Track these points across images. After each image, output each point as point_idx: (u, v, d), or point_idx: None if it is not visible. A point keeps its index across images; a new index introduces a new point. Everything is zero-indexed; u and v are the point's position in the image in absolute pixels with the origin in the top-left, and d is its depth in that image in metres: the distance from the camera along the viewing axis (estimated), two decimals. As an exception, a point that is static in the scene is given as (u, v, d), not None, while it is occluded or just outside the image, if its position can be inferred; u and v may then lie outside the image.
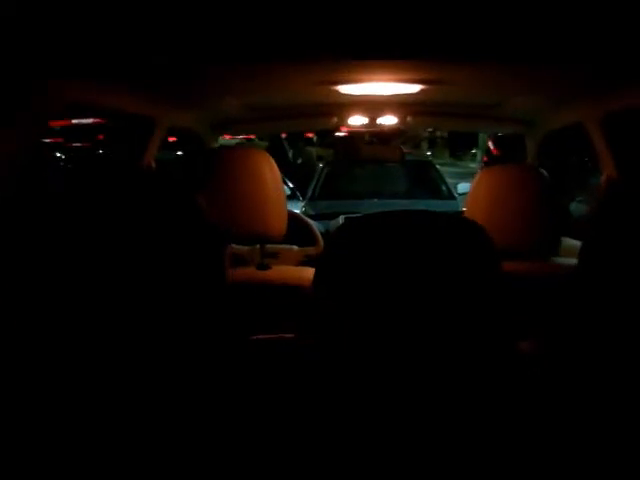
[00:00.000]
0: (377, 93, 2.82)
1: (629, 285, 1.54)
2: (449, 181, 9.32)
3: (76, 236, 1.29)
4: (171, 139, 7.71)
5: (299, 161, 14.66)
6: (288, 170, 10.31)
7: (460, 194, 8.21)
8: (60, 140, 14.25)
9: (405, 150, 5.27)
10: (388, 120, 3.90)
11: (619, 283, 1.57)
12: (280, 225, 2.58)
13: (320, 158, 15.28)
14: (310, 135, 18.57)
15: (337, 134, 15.19)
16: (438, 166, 9.91)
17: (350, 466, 1.38)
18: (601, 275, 1.64)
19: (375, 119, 3.87)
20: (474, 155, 28.51)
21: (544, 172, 2.61)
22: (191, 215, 1.37)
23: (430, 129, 24.59)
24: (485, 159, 18.52)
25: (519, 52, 1.98)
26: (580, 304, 1.77)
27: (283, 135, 14.78)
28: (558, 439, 1.41)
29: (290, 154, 15.27)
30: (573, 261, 2.78)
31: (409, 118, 3.88)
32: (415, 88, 2.73)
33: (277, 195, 2.56)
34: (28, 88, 1.81)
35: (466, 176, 13.46)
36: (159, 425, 1.31)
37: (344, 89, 2.74)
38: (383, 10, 1.61)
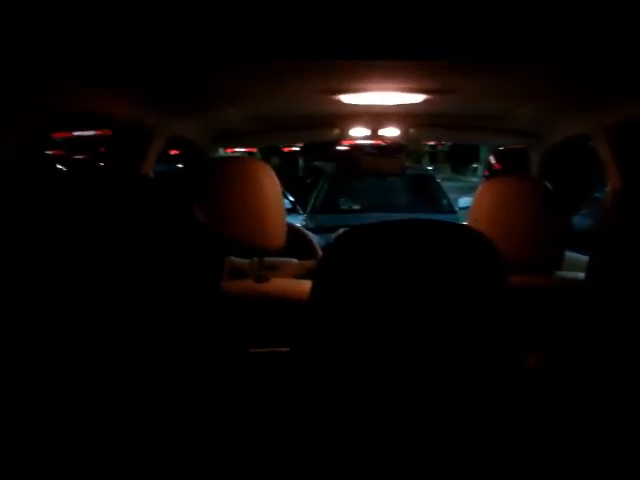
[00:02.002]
0: (380, 103, 2.79)
1: (636, 298, 1.52)
2: (450, 196, 9.31)
3: (71, 244, 1.26)
4: (173, 152, 7.70)
5: (308, 181, 14.65)
6: (298, 186, 10.26)
7: (461, 208, 8.19)
8: (62, 152, 14.26)
9: (406, 165, 5.24)
10: (390, 132, 3.87)
11: (627, 296, 1.54)
12: (279, 237, 2.54)
13: (322, 172, 15.30)
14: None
15: (338, 148, 15.24)
16: (439, 181, 9.90)
17: (343, 476, 1.35)
18: (609, 288, 1.61)
19: (377, 130, 3.84)
20: (475, 170, 28.60)
21: (548, 184, 2.57)
22: (186, 225, 1.34)
23: (431, 143, 24.69)
24: (487, 173, 18.55)
25: (524, 62, 1.96)
26: (588, 318, 1.74)
27: (296, 148, 14.81)
28: (560, 450, 1.39)
29: (301, 170, 15.28)
30: (577, 275, 2.75)
31: (412, 130, 3.85)
32: (419, 98, 2.70)
33: (276, 207, 2.52)
34: (26, 93, 1.78)
35: (467, 191, 13.45)
36: (151, 433, 1.28)
37: (346, 98, 2.71)
38: (387, 17, 1.59)
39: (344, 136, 4.03)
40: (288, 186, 6.82)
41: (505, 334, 1.48)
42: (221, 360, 1.41)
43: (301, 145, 15.32)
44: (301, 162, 16.02)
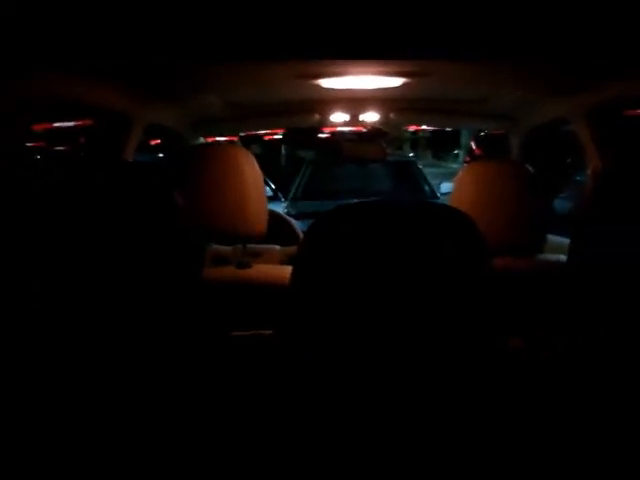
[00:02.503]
0: (359, 87, 2.78)
1: (619, 279, 1.52)
2: (432, 182, 9.32)
3: (50, 230, 1.25)
4: (154, 142, 7.65)
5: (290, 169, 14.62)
6: (280, 174, 10.22)
7: (443, 194, 8.20)
8: (42, 144, 14.16)
9: (388, 151, 5.23)
10: (371, 117, 3.87)
11: (610, 277, 1.54)
12: (261, 224, 2.53)
13: (302, 160, 15.29)
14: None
15: (319, 135, 15.22)
16: (421, 167, 9.90)
17: (328, 463, 1.35)
18: (591, 269, 1.61)
19: (357, 116, 3.84)
20: (457, 156, 28.61)
21: (529, 167, 2.57)
22: (166, 210, 1.33)
23: (412, 130, 24.68)
24: (467, 159, 18.58)
25: (503, 46, 1.96)
26: (571, 299, 1.74)
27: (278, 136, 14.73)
28: (545, 435, 1.39)
29: (283, 159, 15.20)
30: (558, 257, 2.76)
31: (392, 115, 3.85)
32: (398, 81, 2.70)
33: (258, 193, 2.51)
34: (11, 80, 1.77)
35: (449, 176, 13.44)
36: (137, 422, 1.27)
37: (325, 83, 2.70)
38: (366, 2, 1.58)
39: (324, 122, 4.02)
40: (270, 174, 6.80)
41: (489, 315, 1.48)
42: (203, 344, 1.40)
43: (283, 133, 15.26)
44: (283, 150, 15.94)
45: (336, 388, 1.41)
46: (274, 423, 1.37)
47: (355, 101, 3.51)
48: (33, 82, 1.93)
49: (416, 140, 32.28)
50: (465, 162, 19.31)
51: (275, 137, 16.00)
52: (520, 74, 2.60)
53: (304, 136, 18.48)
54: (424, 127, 21.04)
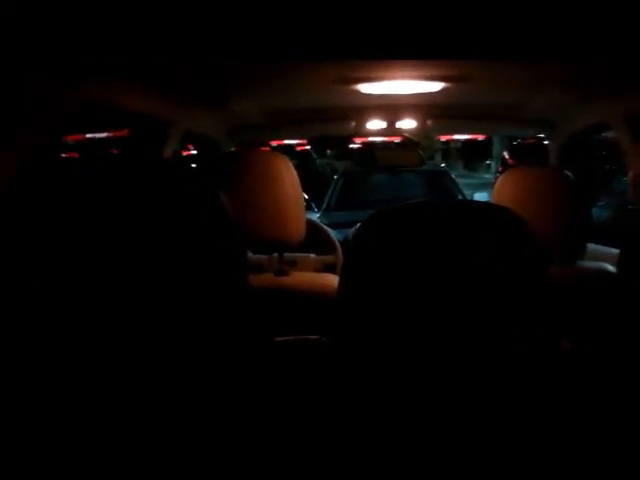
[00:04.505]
0: (397, 92, 2.76)
1: None
2: (465, 192, 9.28)
3: (93, 232, 1.22)
4: (186, 153, 7.68)
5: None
6: (319, 183, 10.14)
7: (476, 204, 8.16)
8: (75, 155, 14.28)
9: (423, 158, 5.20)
10: (408, 124, 3.84)
11: None
12: (299, 231, 2.51)
13: (335, 171, 15.27)
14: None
15: (351, 146, 15.19)
16: (453, 176, 9.87)
17: (372, 466, 1.33)
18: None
19: (394, 123, 3.82)
20: (488, 166, 28.50)
21: (569, 174, 2.53)
22: (214, 211, 1.30)
23: (444, 140, 24.61)
24: (500, 169, 18.50)
25: (543, 48, 1.93)
26: (621, 307, 1.71)
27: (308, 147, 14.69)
28: (593, 433, 1.36)
29: (320, 167, 15.11)
30: (600, 265, 2.72)
31: (429, 121, 3.83)
32: (437, 86, 2.67)
33: (296, 200, 2.49)
34: (44, 86, 1.75)
35: (481, 187, 13.42)
36: (180, 428, 1.25)
37: (363, 88, 2.68)
38: (406, 4, 1.56)
39: (361, 129, 3.99)
40: (305, 184, 6.79)
41: (542, 318, 1.44)
42: (247, 349, 1.38)
43: (309, 142, 15.23)
44: (319, 160, 15.89)
45: (387, 391, 1.38)
46: (324, 428, 1.35)
47: (392, 107, 3.49)
48: (69, 91, 1.92)
49: (447, 150, 32.23)
50: (498, 172, 19.20)
51: (306, 148, 16.00)
52: (560, 77, 2.57)
53: (333, 145, 18.48)
54: (455, 137, 20.99)
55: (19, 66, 1.62)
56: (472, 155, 30.59)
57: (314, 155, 14.04)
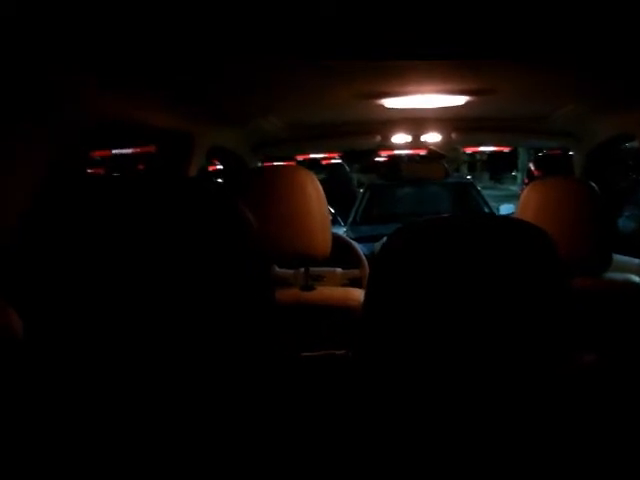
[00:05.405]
0: (421, 106, 2.76)
1: None
2: (491, 204, 9.25)
3: (115, 247, 1.22)
4: (212, 168, 7.71)
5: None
6: (352, 197, 10.10)
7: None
8: (101, 171, 14.36)
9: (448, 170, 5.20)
10: (433, 137, 3.85)
11: None
12: (325, 246, 2.52)
13: (361, 184, 15.23)
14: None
15: (377, 159, 15.17)
16: (479, 188, 9.85)
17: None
18: None
19: (419, 136, 3.82)
20: (514, 178, 28.42)
21: (594, 186, 2.52)
22: (238, 227, 1.30)
23: (469, 152, 24.59)
24: (526, 181, 18.42)
25: (565, 59, 1.93)
26: None
27: (335, 161, 14.64)
28: (613, 450, 1.35)
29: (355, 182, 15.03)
30: (626, 277, 2.70)
31: (454, 135, 3.82)
32: (461, 100, 2.67)
33: (321, 214, 2.50)
34: (61, 101, 1.76)
35: (507, 199, 13.38)
36: (206, 442, 1.25)
37: (388, 103, 2.68)
38: (430, 15, 1.56)
39: (386, 143, 4.00)
40: (334, 199, 6.76)
41: (567, 332, 1.44)
42: (275, 364, 1.38)
43: (341, 156, 15.23)
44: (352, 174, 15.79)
45: (412, 406, 1.38)
46: (348, 442, 1.34)
47: (417, 121, 3.49)
48: (97, 106, 1.93)
49: (473, 162, 32.17)
50: (524, 184, 19.15)
51: (332, 162, 15.99)
52: (583, 89, 2.56)
53: (361, 159, 18.45)
54: (481, 149, 20.93)
55: (33, 81, 1.63)
56: (498, 167, 30.53)
57: (347, 168, 13.97)
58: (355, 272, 3.56)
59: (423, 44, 1.76)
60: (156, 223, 1.24)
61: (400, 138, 3.84)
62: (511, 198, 14.23)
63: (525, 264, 1.40)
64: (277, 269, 3.18)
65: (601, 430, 1.39)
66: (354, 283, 3.39)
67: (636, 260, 3.22)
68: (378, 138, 3.89)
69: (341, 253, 3.53)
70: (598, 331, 2.20)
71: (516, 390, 1.38)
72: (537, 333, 1.39)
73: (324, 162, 15.64)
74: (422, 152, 4.87)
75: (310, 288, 2.66)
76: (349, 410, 1.39)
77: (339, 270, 3.48)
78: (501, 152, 22.70)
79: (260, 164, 4.13)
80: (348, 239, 4.12)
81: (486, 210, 8.84)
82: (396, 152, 5.08)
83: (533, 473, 1.34)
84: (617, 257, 2.92)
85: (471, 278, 1.38)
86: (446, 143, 4.03)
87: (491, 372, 1.37)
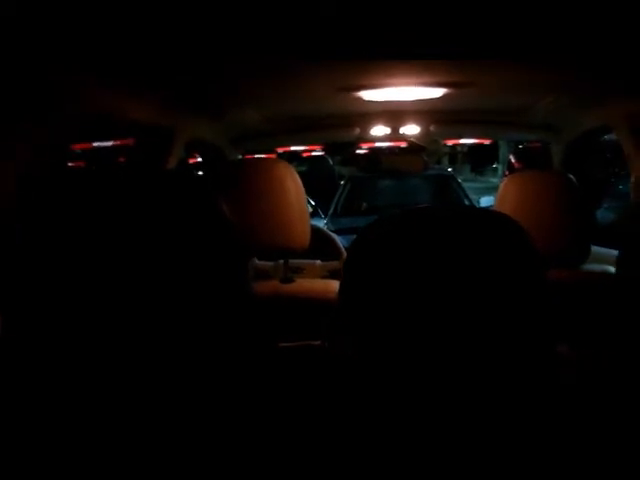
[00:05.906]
0: (400, 99, 2.77)
1: None
2: (471, 197, 9.28)
3: (93, 240, 1.23)
4: (192, 160, 7.69)
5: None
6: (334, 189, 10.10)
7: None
8: (82, 164, 14.29)
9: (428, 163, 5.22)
10: (411, 129, 3.86)
11: None
12: (304, 238, 2.52)
13: (341, 177, 15.23)
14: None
15: (358, 151, 15.13)
16: (460, 181, 9.88)
17: (374, 472, 1.33)
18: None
19: (398, 129, 3.83)
20: (495, 170, 28.43)
21: (572, 178, 2.53)
22: (215, 219, 1.31)
23: (450, 144, 24.59)
24: (507, 173, 18.48)
25: (544, 51, 1.94)
26: (620, 311, 1.71)
27: (316, 153, 14.60)
28: (588, 442, 1.36)
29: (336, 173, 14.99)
30: (603, 268, 2.72)
31: (432, 127, 3.83)
32: (439, 92, 2.68)
33: (300, 207, 2.50)
34: (45, 95, 1.76)
35: (488, 191, 13.40)
36: (182, 434, 1.25)
37: (366, 95, 2.69)
38: (406, 9, 1.56)
39: (365, 135, 4.00)
40: (314, 191, 6.75)
41: (544, 322, 1.45)
42: (252, 355, 1.39)
43: (323, 149, 15.21)
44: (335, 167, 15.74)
45: (392, 396, 1.39)
46: (326, 432, 1.35)
47: (396, 114, 3.50)
48: (76, 98, 1.93)
49: (454, 154, 32.15)
50: (504, 176, 19.18)
51: (313, 154, 15.96)
52: (561, 82, 2.57)
53: (341, 151, 18.43)
54: (462, 141, 20.95)
55: (17, 75, 1.62)
56: (479, 159, 30.41)
57: (330, 161, 13.91)
58: (335, 264, 3.57)
59: (403, 44, 1.77)
60: (133, 216, 1.24)
61: (379, 130, 3.85)
62: (492, 190, 14.23)
63: (499, 255, 1.41)
64: (256, 261, 3.18)
65: (582, 421, 1.40)
66: (334, 275, 3.39)
67: (614, 251, 3.24)
68: (357, 131, 3.90)
69: (321, 245, 3.54)
70: (575, 322, 2.22)
71: (492, 381, 1.39)
72: (512, 324, 1.40)
73: (305, 154, 15.62)
74: (402, 144, 4.89)
75: (289, 280, 2.67)
76: (325, 400, 1.40)
77: (319, 262, 3.48)
78: (482, 144, 22.65)
79: (240, 157, 4.12)
80: (328, 231, 4.13)
81: (466, 202, 8.87)
82: (377, 144, 5.08)
83: (516, 465, 1.35)
84: (596, 249, 2.94)
85: (445, 269, 1.38)
86: (425, 135, 4.04)
87: (468, 364, 1.38)
